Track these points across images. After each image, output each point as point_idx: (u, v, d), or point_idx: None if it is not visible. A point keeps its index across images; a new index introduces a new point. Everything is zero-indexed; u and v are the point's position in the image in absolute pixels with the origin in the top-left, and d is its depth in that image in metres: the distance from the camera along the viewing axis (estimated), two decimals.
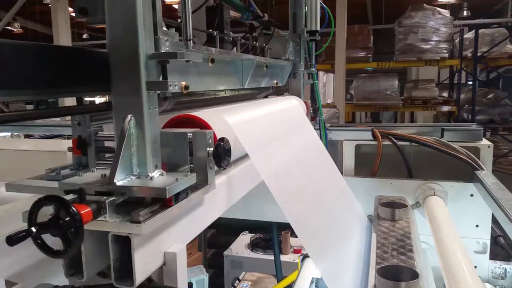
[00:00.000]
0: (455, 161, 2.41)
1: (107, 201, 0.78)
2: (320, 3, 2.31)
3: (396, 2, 12.77)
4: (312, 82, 2.49)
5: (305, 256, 2.72)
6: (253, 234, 4.83)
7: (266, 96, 2.38)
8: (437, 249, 1.67)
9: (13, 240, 0.66)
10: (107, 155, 1.14)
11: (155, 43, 0.90)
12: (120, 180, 0.84)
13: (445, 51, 8.53)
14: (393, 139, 2.42)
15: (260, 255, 4.41)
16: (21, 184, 1.10)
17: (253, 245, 4.58)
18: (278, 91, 2.50)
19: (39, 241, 0.70)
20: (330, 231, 1.57)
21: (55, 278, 1.48)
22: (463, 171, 2.39)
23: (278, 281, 2.88)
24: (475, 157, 2.29)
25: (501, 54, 8.60)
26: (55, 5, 9.01)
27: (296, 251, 4.53)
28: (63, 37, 9.04)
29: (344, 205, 1.91)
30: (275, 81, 2.18)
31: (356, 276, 1.59)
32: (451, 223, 1.85)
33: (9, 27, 12.28)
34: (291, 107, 1.97)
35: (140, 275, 0.80)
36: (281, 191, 1.30)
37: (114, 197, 0.80)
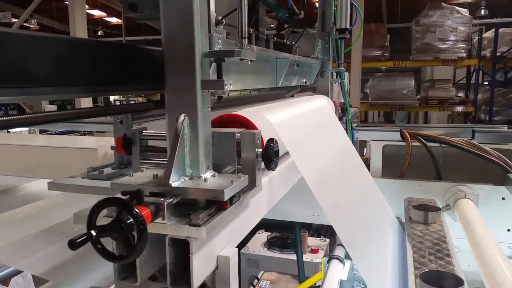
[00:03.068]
0: (483, 163, 2.35)
1: (165, 203, 0.75)
2: (350, 1, 2.27)
3: (411, 1, 12.62)
4: (340, 81, 2.45)
5: (331, 258, 2.68)
6: (269, 233, 4.80)
7: (292, 95, 2.35)
8: (475, 255, 1.63)
9: (74, 244, 0.64)
10: (149, 153, 1.13)
11: (209, 41, 0.88)
12: (174, 181, 0.82)
13: (463, 50, 8.40)
14: (422, 140, 2.37)
15: (277, 254, 4.38)
16: (63, 183, 1.09)
17: (270, 244, 4.55)
18: (302, 90, 2.47)
19: (99, 246, 0.68)
20: (368, 233, 1.54)
21: (85, 276, 1.47)
22: (491, 173, 2.34)
23: (301, 282, 2.85)
24: (507, 160, 2.23)
25: None
26: (72, 2, 9.06)
27: (313, 251, 4.49)
28: (79, 34, 9.08)
29: (378, 206, 1.88)
30: (304, 80, 2.15)
31: (394, 280, 1.55)
32: (486, 227, 1.80)
33: (25, 24, 12.40)
34: (322, 106, 1.94)
35: (197, 280, 0.78)
36: (322, 191, 1.28)
37: (172, 199, 0.78)
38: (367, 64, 9.19)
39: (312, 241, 4.71)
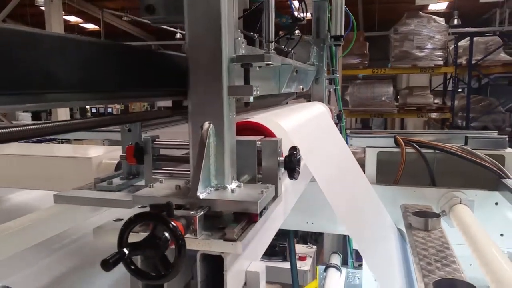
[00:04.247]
0: (475, 169, 2.38)
1: (197, 216, 0.71)
2: (345, 8, 2.27)
3: (387, 11, 12.88)
4: (334, 87, 2.44)
5: (328, 266, 2.66)
6: None
7: (286, 102, 2.33)
8: (479, 261, 1.63)
9: (108, 264, 0.59)
10: (161, 163, 1.07)
11: (234, 45, 0.84)
12: (201, 192, 0.78)
13: (440, 58, 8.59)
14: (417, 146, 2.38)
15: (265, 262, 4.30)
16: (70, 195, 1.03)
17: None
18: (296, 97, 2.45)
19: (132, 267, 0.63)
20: (377, 239, 1.53)
21: None
22: (483, 178, 2.36)
23: None
24: (500, 165, 2.26)
25: (495, 62, 8.70)
26: (48, 8, 8.83)
27: (301, 259, 4.45)
28: None
29: (380, 212, 1.87)
30: (301, 87, 2.13)
31: (403, 286, 1.54)
32: (487, 233, 1.81)
33: None
34: (322, 113, 1.92)
35: None
36: (335, 198, 1.25)
37: (203, 212, 0.73)
38: (346, 72, 9.27)
39: (299, 249, 4.67)
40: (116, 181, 1.07)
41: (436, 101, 10.41)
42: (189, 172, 0.97)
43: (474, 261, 1.66)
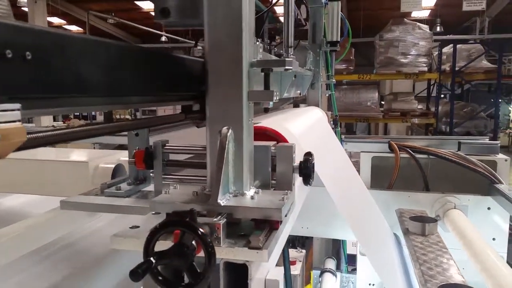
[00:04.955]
0: (466, 174, 2.41)
1: (221, 223, 0.69)
2: (341, 14, 2.28)
3: (371, 18, 13.07)
4: (329, 93, 2.45)
5: (323, 271, 2.66)
6: None
7: (282, 107, 2.33)
8: (479, 266, 1.64)
9: (137, 274, 0.57)
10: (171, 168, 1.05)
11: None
12: (221, 199, 0.76)
13: (424, 64, 8.74)
14: (411, 151, 2.40)
15: None
16: (77, 201, 1.00)
17: None
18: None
19: (159, 278, 0.61)
20: (380, 243, 1.53)
21: None
22: (474, 183, 2.40)
23: None
24: (492, 171, 2.30)
25: (477, 69, 8.90)
26: (32, 9, 8.67)
27: (291, 263, 4.44)
28: None
29: (379, 217, 1.88)
30: (299, 91, 2.13)
31: None
32: (482, 238, 1.84)
33: None
34: (321, 118, 1.92)
35: None
36: (343, 203, 1.25)
37: (226, 219, 0.71)
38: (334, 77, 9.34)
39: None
40: (124, 186, 1.05)
41: (419, 106, 10.57)
42: (200, 178, 0.96)
43: (467, 265, 1.69)
